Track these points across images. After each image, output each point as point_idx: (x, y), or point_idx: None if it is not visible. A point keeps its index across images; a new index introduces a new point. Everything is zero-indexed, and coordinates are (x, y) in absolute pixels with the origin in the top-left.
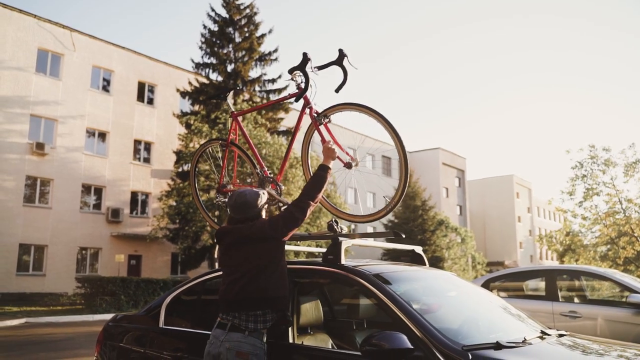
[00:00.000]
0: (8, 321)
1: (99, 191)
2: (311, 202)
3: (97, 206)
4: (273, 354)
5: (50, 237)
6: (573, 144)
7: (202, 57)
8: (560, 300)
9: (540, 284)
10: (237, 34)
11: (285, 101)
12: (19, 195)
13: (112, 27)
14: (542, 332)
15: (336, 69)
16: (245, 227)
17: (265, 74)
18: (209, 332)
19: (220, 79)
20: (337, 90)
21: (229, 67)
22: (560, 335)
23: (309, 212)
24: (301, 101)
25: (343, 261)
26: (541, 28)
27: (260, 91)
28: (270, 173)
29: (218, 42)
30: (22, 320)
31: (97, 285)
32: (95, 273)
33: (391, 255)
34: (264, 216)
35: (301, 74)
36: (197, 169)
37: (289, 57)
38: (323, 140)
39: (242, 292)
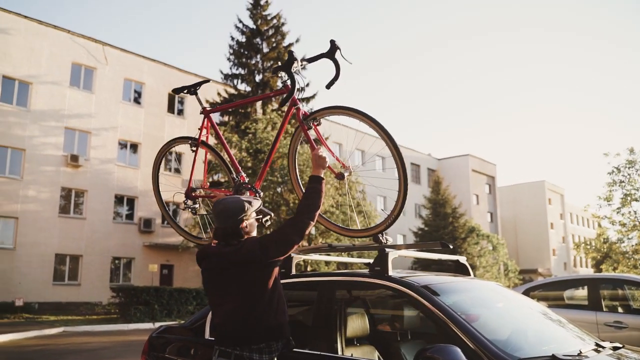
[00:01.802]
0: (47, 330)
1: (131, 202)
2: (310, 222)
3: (130, 216)
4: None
5: (84, 247)
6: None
7: (231, 68)
8: (604, 310)
9: (581, 293)
10: (264, 44)
11: (268, 97)
12: (54, 206)
13: (143, 40)
14: (597, 344)
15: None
16: (231, 251)
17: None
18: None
19: (248, 89)
20: (328, 86)
21: (257, 78)
22: (615, 348)
23: (306, 232)
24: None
25: (390, 272)
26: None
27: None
28: (246, 178)
29: (246, 52)
30: (60, 329)
31: (131, 295)
32: (128, 282)
33: (421, 264)
34: (250, 231)
35: (286, 75)
36: (159, 171)
37: (316, 65)
38: (312, 147)
39: (242, 326)
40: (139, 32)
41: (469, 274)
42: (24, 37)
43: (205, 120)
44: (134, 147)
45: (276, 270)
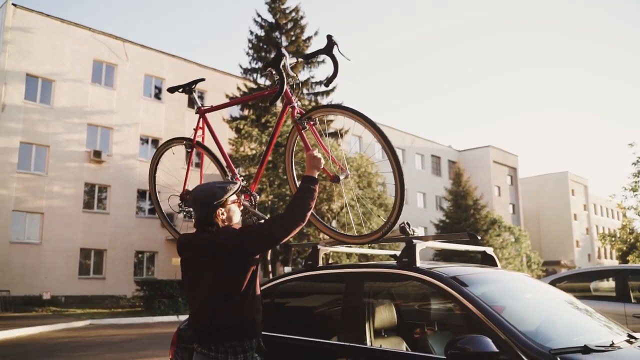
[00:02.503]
0: (74, 322)
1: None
2: (299, 222)
3: (152, 211)
4: (356, 356)
5: (108, 241)
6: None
7: (250, 62)
8: (632, 301)
9: (608, 284)
10: (283, 38)
11: (264, 96)
12: (78, 202)
13: (162, 36)
14: (629, 335)
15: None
16: (207, 237)
17: (313, 77)
18: (283, 335)
19: (268, 83)
20: (326, 84)
21: None
22: None
23: (292, 233)
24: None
25: (418, 264)
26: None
27: (307, 94)
28: (243, 180)
29: (265, 46)
30: (87, 322)
31: (155, 288)
32: (151, 276)
33: (442, 256)
34: (228, 218)
35: (274, 72)
36: (155, 174)
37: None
38: (306, 148)
39: (212, 323)
40: (158, 28)
41: (496, 265)
42: (46, 36)
43: (201, 120)
44: (155, 142)
45: (253, 263)
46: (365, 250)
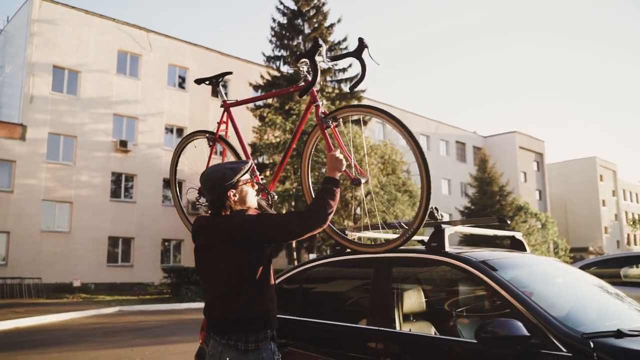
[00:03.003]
0: (103, 309)
1: (178, 185)
2: (320, 223)
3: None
4: (385, 340)
5: (135, 229)
6: None
7: (273, 50)
8: None
9: (639, 270)
10: (306, 25)
11: (289, 93)
12: (106, 191)
13: (185, 25)
14: None
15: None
16: (220, 222)
17: (336, 64)
18: (312, 320)
19: (291, 71)
20: (351, 88)
21: None
22: None
23: (311, 233)
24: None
25: (447, 248)
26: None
27: (331, 81)
28: (262, 179)
29: (287, 34)
30: (116, 309)
31: (182, 275)
32: (178, 264)
33: (469, 242)
34: (241, 200)
35: (309, 63)
36: (176, 168)
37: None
38: (328, 148)
39: (226, 315)
40: (181, 17)
41: (525, 250)
42: (71, 27)
43: (225, 114)
44: (180, 131)
45: (267, 252)
46: (393, 235)
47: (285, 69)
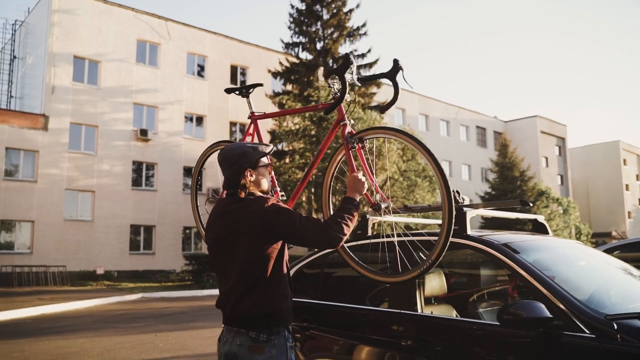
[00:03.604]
0: (127, 296)
1: (199, 173)
2: (334, 241)
3: (199, 187)
4: (406, 323)
5: (157, 217)
6: None
7: (292, 36)
8: None
9: None
10: (324, 11)
11: (316, 110)
12: (127, 179)
13: (203, 13)
14: None
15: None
16: (239, 208)
17: (355, 50)
18: (333, 303)
19: (310, 57)
20: (382, 111)
21: (319, 45)
22: None
23: (321, 246)
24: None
25: (469, 231)
26: None
27: None
28: (281, 194)
29: (306, 20)
30: (139, 295)
31: (203, 262)
32: (199, 251)
33: (489, 227)
34: (256, 183)
35: (339, 80)
36: (200, 177)
37: (378, 31)
38: (351, 169)
39: (239, 310)
40: (198, 5)
41: (548, 233)
42: (90, 17)
43: (252, 125)
44: (200, 119)
45: (280, 246)
46: (415, 219)
47: (304, 55)
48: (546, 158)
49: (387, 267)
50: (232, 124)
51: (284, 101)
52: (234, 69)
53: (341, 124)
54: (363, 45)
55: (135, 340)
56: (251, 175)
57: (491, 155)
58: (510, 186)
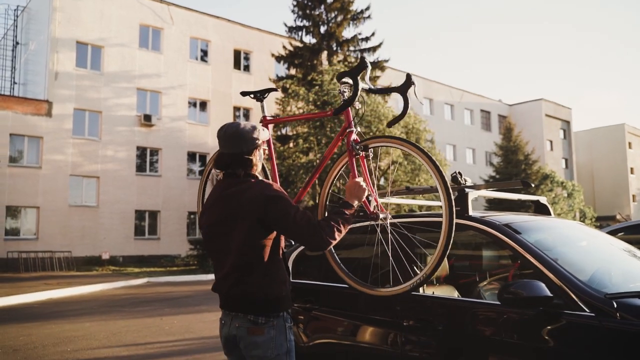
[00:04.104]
0: (132, 280)
1: (203, 158)
2: (322, 244)
3: (202, 172)
4: (408, 303)
5: (162, 203)
6: None
7: (295, 20)
8: None
9: None
10: None
11: (325, 116)
12: (131, 165)
13: None
14: None
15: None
16: (240, 191)
17: (360, 33)
18: (336, 284)
19: (313, 41)
20: (390, 125)
21: (322, 29)
22: None
23: (307, 246)
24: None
25: (470, 212)
26: None
27: (354, 50)
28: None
29: (310, 4)
30: (144, 280)
31: None
32: None
33: (493, 209)
34: (255, 165)
35: (351, 82)
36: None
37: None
38: (353, 175)
39: (236, 295)
40: None
41: (550, 214)
42: (93, 2)
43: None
44: (203, 104)
45: (276, 234)
46: (418, 201)
47: (307, 39)
48: (551, 141)
49: (377, 277)
50: (236, 108)
51: (287, 85)
52: (237, 54)
53: (347, 130)
54: (367, 29)
55: (140, 323)
56: (254, 156)
57: (495, 139)
58: (514, 170)
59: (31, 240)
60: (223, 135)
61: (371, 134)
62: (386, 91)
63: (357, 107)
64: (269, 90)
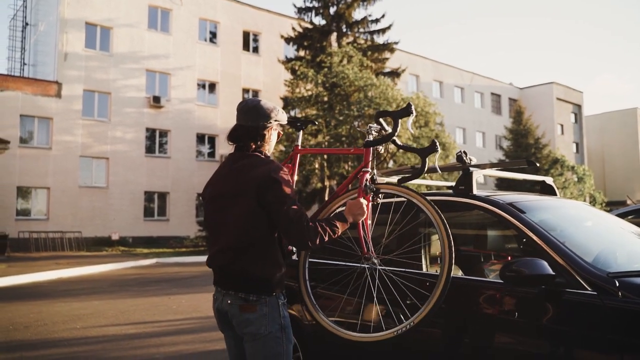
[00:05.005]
0: (141, 261)
1: (212, 140)
2: (306, 242)
3: (211, 154)
4: (411, 282)
5: (171, 184)
6: None
7: (304, 1)
8: None
9: None
10: None
11: (349, 153)
12: (140, 146)
13: None
14: None
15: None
16: (250, 165)
17: (370, 15)
18: (341, 262)
19: (323, 22)
20: (366, 145)
21: (332, 10)
22: None
23: (290, 240)
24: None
25: (475, 191)
26: None
27: (364, 32)
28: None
29: None
30: (153, 261)
31: None
32: None
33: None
34: (268, 143)
35: (392, 121)
36: None
37: None
38: (359, 194)
39: (230, 272)
40: None
41: (555, 195)
42: None
43: (294, 157)
44: (212, 86)
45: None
46: (423, 181)
47: (317, 20)
48: (562, 125)
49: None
50: (245, 90)
51: (296, 67)
52: (246, 35)
53: (363, 170)
54: (377, 10)
55: (149, 302)
56: (273, 131)
57: (506, 122)
58: (524, 153)
59: (42, 220)
60: (242, 108)
61: (389, 121)
62: (384, 115)
63: (380, 150)
64: (311, 122)
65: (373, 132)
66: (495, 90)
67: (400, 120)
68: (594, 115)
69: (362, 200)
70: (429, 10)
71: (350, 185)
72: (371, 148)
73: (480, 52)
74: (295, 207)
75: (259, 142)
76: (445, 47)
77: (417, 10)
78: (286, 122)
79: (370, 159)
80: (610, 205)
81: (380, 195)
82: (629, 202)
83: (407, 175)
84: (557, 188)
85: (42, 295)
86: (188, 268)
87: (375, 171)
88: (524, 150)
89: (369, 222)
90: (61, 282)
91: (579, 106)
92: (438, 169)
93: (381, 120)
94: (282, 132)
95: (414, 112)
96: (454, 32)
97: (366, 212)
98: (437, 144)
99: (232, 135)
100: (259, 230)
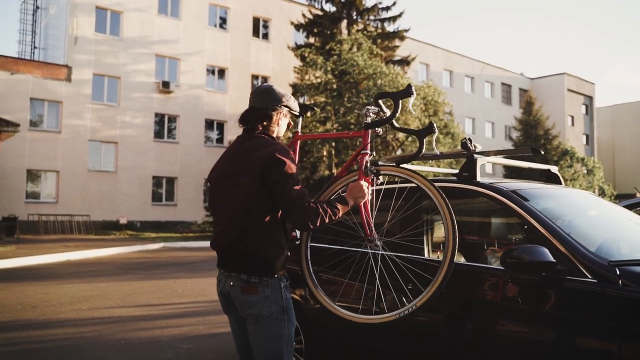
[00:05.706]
0: (149, 245)
1: (220, 126)
2: (306, 222)
3: (220, 140)
4: (415, 266)
5: (179, 169)
6: None
7: None
8: None
9: None
10: None
11: (349, 137)
12: (149, 131)
13: None
14: None
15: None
16: (257, 145)
17: (380, 2)
18: (344, 248)
19: (333, 9)
20: (366, 127)
21: None
22: None
23: (290, 220)
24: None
25: (479, 178)
26: None
27: (374, 20)
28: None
29: None
30: (161, 245)
31: None
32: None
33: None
34: (277, 126)
35: (392, 102)
36: None
37: None
38: (360, 177)
39: (230, 252)
40: None
41: (560, 184)
42: None
43: (293, 144)
44: (222, 72)
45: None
46: (427, 168)
47: (327, 7)
48: (572, 117)
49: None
50: (254, 77)
51: (306, 54)
52: (256, 21)
53: (362, 152)
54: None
55: (155, 285)
56: (283, 116)
57: (516, 113)
58: (533, 144)
59: (51, 203)
60: (255, 91)
61: (389, 104)
62: (384, 96)
63: (379, 132)
64: (310, 108)
65: (371, 113)
66: (506, 80)
67: (400, 101)
68: (605, 107)
69: (362, 182)
70: (443, 3)
71: (355, 166)
72: (369, 130)
73: (493, 46)
74: (297, 187)
75: (265, 123)
76: (457, 39)
77: (432, 2)
78: (297, 111)
79: (369, 141)
80: (620, 198)
81: (380, 177)
82: (638, 195)
83: (405, 157)
84: (567, 180)
85: (50, 276)
86: (194, 253)
87: (374, 154)
88: (533, 141)
89: (371, 204)
90: (69, 264)
91: (590, 98)
92: (438, 153)
93: (380, 102)
94: (292, 123)
95: (414, 92)
96: (467, 25)
97: (367, 193)
98: (434, 124)
99: (243, 118)
100: (262, 210)
